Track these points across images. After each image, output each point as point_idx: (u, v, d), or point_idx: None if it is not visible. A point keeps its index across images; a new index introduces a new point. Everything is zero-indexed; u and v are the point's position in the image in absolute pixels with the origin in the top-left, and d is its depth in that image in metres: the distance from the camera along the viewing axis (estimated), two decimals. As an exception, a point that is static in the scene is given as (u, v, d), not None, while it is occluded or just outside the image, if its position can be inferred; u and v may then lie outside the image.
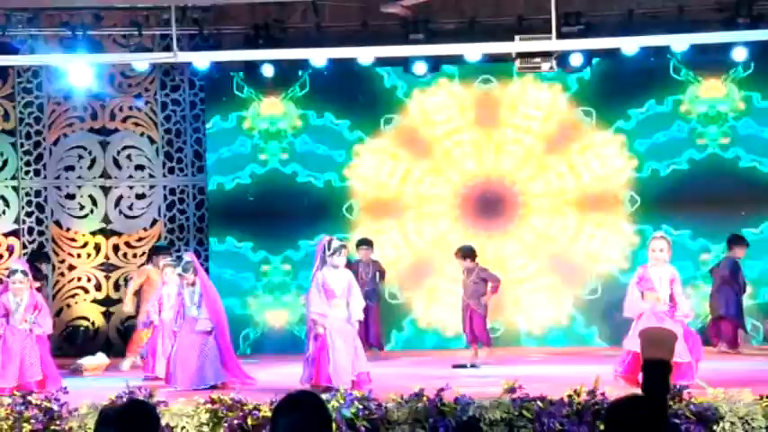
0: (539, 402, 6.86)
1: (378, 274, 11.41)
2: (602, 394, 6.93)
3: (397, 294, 12.11)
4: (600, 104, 11.92)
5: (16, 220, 12.78)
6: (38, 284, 10.07)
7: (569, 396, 6.92)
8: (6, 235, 12.75)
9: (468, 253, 10.95)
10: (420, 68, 11.19)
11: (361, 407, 6.88)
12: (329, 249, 8.68)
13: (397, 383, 8.08)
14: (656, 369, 5.45)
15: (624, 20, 10.93)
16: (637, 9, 11.04)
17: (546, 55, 10.12)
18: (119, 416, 3.06)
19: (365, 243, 11.41)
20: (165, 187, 12.82)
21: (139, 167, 12.83)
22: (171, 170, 12.81)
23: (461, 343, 11.37)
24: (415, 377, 8.57)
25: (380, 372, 9.36)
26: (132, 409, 3.18)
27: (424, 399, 6.93)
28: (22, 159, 12.75)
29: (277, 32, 11.24)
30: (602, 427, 6.34)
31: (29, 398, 7.05)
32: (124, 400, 6.70)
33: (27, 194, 12.79)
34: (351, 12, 11.32)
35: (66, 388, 8.09)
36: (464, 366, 10.07)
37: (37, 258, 11.83)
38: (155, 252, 11.52)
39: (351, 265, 10.23)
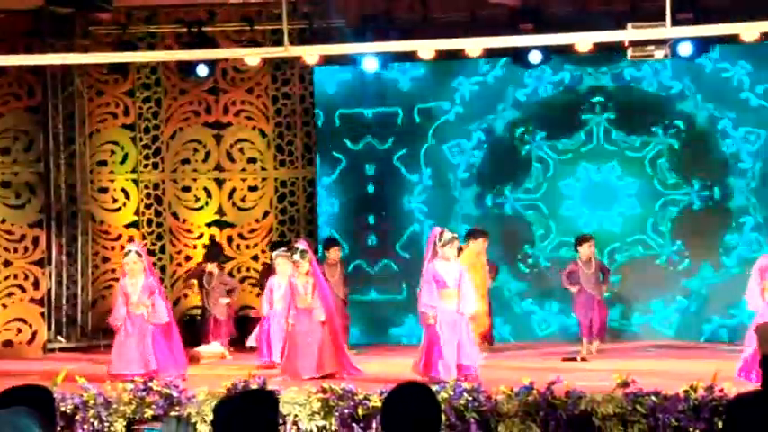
0: (653, 397, 6.68)
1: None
2: (721, 390, 6.72)
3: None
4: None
5: (136, 212, 13.20)
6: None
7: (685, 391, 6.72)
8: (127, 226, 13.18)
9: (584, 240, 10.66)
10: (535, 57, 10.95)
11: (470, 398, 6.84)
12: (440, 240, 8.66)
13: (507, 376, 8.02)
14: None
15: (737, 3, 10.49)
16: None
17: (660, 42, 9.84)
18: (239, 403, 3.11)
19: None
20: (276, 179, 13.04)
21: (252, 160, 13.08)
22: (282, 163, 13.02)
23: (569, 336, 11.20)
24: (524, 370, 8.49)
25: (489, 363, 9.31)
26: (252, 396, 3.22)
27: (535, 392, 6.84)
28: (141, 153, 13.15)
29: (383, 24, 11.23)
30: (720, 424, 6.16)
31: (150, 384, 7.26)
32: (239, 388, 6.85)
33: (146, 187, 13.19)
34: (459, 2, 11.24)
35: (184, 375, 8.32)
36: (574, 359, 9.91)
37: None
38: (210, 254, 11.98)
39: None
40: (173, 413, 6.82)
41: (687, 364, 9.17)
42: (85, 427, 6.92)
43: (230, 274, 12.43)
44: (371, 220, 12.43)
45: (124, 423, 6.98)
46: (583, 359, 9.94)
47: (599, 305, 10.49)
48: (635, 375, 7.06)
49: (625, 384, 6.89)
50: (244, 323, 11.93)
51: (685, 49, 10.39)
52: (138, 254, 9.36)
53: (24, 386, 3.27)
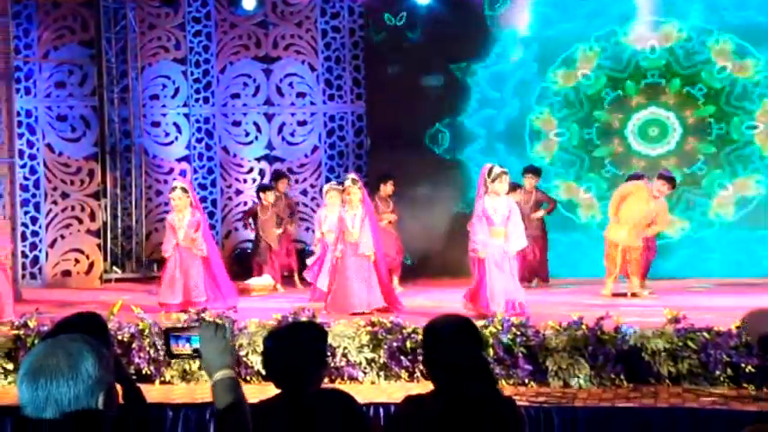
0: (704, 333, 6.56)
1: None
2: (774, 327, 6.58)
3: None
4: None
5: (187, 146, 13.26)
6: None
7: (738, 327, 6.59)
8: (179, 160, 13.25)
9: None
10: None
11: (518, 333, 6.79)
12: (489, 176, 8.54)
13: (555, 312, 7.96)
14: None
15: None
16: None
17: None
18: (288, 334, 3.11)
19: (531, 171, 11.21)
20: (325, 114, 12.96)
21: (301, 95, 13.01)
22: (331, 97, 12.93)
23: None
24: (573, 305, 8.42)
25: (537, 299, 9.26)
26: (301, 328, 3.23)
27: (584, 327, 6.77)
28: (192, 87, 13.15)
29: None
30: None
31: (203, 314, 7.34)
32: (289, 320, 6.88)
33: (197, 121, 13.22)
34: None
35: (235, 306, 8.39)
36: (624, 295, 9.80)
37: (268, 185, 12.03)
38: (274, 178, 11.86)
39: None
40: (210, 319, 6.88)
41: (741, 300, 9.00)
42: (141, 355, 7.03)
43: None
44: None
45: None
46: (633, 295, 9.83)
47: (650, 242, 10.33)
48: (686, 312, 6.95)
49: (676, 320, 6.78)
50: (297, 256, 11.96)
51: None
52: (184, 189, 9.38)
53: (77, 314, 3.30)
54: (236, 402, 2.36)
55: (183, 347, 2.56)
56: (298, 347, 2.98)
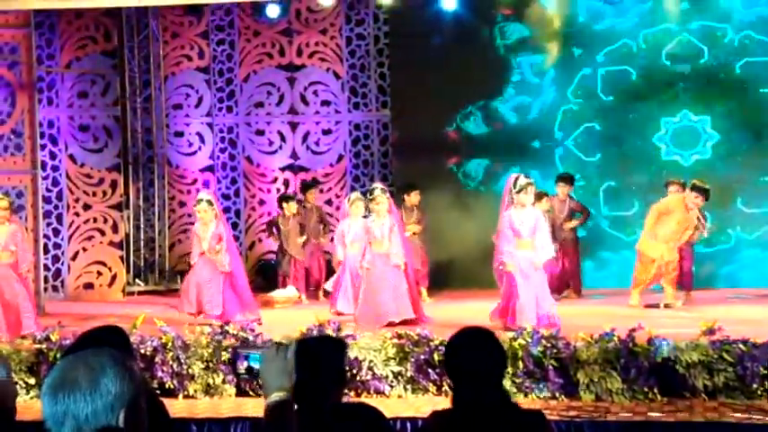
0: (740, 345, 6.50)
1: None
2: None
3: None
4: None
5: (211, 156, 13.33)
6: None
7: (775, 340, 6.52)
8: (202, 171, 13.32)
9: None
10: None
11: (548, 345, 6.76)
12: (515, 187, 8.49)
13: (587, 323, 7.90)
14: None
15: None
16: None
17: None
18: (308, 348, 3.11)
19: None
20: (350, 123, 12.99)
21: (325, 103, 13.05)
22: (356, 105, 12.96)
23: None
24: (604, 316, 8.36)
25: (568, 310, 9.20)
26: (321, 342, 3.23)
27: (615, 339, 6.72)
28: (215, 96, 13.23)
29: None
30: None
31: (226, 328, 7.36)
32: (314, 333, 6.88)
33: (220, 131, 13.29)
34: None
35: (259, 319, 8.41)
36: (657, 306, 9.73)
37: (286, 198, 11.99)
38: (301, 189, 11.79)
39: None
40: (273, 339, 6.88)
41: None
42: (164, 368, 7.05)
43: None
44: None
45: (202, 366, 7.09)
46: (666, 306, 9.75)
47: (685, 252, 10.25)
48: (721, 323, 6.88)
49: (711, 332, 6.71)
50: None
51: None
52: (210, 202, 9.44)
53: (99, 328, 3.32)
54: (282, 427, 2.40)
55: (240, 366, 2.60)
56: (312, 361, 2.98)
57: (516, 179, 8.54)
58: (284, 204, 11.61)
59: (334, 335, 6.63)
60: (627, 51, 11.88)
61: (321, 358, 3.00)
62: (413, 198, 11.08)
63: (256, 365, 2.57)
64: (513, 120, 12.22)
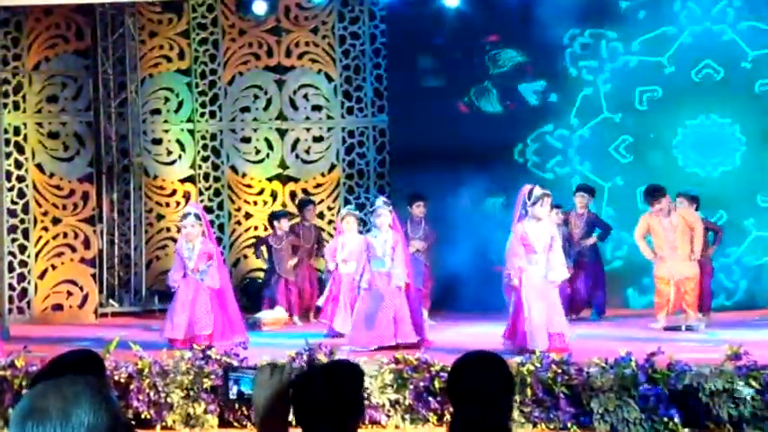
0: (768, 372, 6.54)
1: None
2: None
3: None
4: None
5: (192, 166, 13.34)
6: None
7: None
8: (183, 181, 13.33)
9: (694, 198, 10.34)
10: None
11: (559, 371, 6.78)
12: (530, 199, 8.49)
13: (601, 346, 7.93)
14: None
15: None
16: None
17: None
18: (319, 378, 3.05)
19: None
20: (343, 129, 13.03)
21: (317, 108, 13.09)
22: (350, 110, 13.00)
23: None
24: (621, 340, 8.38)
25: (582, 332, 9.22)
26: (341, 367, 3.15)
27: (632, 364, 6.75)
28: (197, 101, 13.26)
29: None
30: None
31: (208, 352, 7.38)
32: (304, 357, 6.90)
33: (203, 138, 13.31)
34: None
35: (245, 343, 8.44)
36: (678, 329, 9.76)
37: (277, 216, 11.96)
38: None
39: None
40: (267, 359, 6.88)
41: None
42: (140, 397, 7.06)
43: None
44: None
45: (181, 394, 7.10)
46: (688, 329, 9.78)
47: (705, 270, 10.30)
48: (747, 347, 6.91)
49: (736, 356, 6.75)
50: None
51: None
52: (197, 216, 9.48)
53: (71, 352, 3.34)
54: None
55: (231, 390, 2.52)
56: (328, 390, 2.93)
57: (531, 190, 8.55)
58: (276, 223, 11.61)
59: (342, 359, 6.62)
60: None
61: (338, 386, 2.96)
62: (417, 210, 11.07)
63: (248, 390, 2.50)
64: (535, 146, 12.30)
